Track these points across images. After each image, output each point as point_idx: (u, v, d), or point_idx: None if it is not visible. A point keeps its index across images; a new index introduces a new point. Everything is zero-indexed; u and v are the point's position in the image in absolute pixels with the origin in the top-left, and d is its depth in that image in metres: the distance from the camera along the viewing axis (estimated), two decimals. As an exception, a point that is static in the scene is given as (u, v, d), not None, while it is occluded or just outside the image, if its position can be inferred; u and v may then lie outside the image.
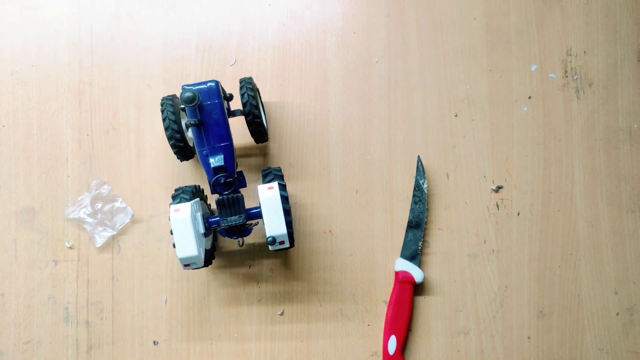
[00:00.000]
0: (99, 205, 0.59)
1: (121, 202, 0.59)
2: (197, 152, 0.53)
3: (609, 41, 0.62)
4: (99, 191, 0.59)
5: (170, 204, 0.50)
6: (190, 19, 0.62)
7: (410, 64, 0.62)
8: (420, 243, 0.60)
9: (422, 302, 0.60)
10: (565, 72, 0.62)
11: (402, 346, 0.58)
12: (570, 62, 0.62)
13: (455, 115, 0.62)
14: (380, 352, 0.59)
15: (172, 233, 0.50)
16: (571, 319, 0.60)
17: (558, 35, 0.62)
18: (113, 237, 0.60)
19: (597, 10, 0.62)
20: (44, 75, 0.61)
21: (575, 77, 0.62)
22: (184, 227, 0.49)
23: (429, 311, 0.60)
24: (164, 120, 0.53)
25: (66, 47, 0.61)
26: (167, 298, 0.60)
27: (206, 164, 0.52)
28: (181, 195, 0.52)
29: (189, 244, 0.49)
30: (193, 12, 0.62)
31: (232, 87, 0.61)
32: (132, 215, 0.60)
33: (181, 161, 0.58)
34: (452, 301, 0.60)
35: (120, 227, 0.59)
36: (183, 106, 0.52)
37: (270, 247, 0.51)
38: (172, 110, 0.53)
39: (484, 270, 0.60)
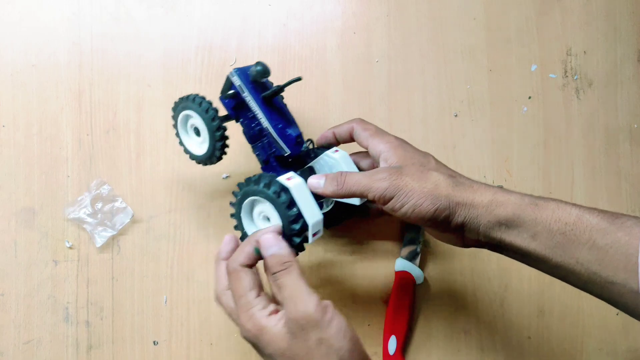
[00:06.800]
0: (99, 205, 0.59)
1: (121, 202, 0.59)
2: (268, 127, 0.49)
3: (609, 41, 0.62)
4: (99, 191, 0.59)
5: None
6: (190, 19, 0.62)
7: (410, 64, 0.62)
8: (420, 243, 0.59)
9: (422, 302, 0.60)
10: (565, 72, 0.62)
11: (402, 346, 0.58)
12: (570, 62, 0.62)
13: (455, 115, 0.62)
14: (380, 352, 0.59)
15: (283, 205, 0.44)
16: (571, 318, 0.60)
17: (558, 35, 0.62)
18: (113, 237, 0.60)
19: (597, 10, 0.62)
20: (44, 75, 0.61)
21: (575, 77, 0.62)
22: (303, 192, 0.45)
23: (429, 311, 0.60)
24: (212, 120, 0.48)
25: (66, 48, 0.61)
26: (167, 298, 0.60)
27: (284, 137, 0.49)
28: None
29: (314, 208, 0.46)
30: (193, 12, 0.62)
31: (232, 87, 0.61)
32: (132, 215, 0.60)
33: (211, 165, 0.53)
34: (452, 301, 0.60)
35: (120, 227, 0.59)
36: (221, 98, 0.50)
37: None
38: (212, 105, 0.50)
39: (484, 270, 0.60)
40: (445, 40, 0.62)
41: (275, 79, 0.61)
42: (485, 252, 0.60)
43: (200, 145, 0.51)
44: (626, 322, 0.60)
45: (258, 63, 0.48)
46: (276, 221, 0.45)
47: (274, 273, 0.41)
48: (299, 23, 0.62)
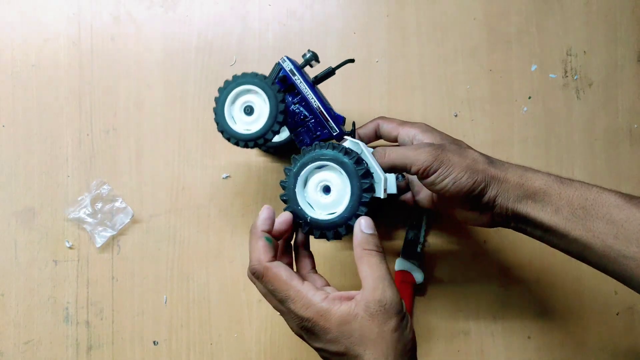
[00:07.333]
0: (99, 205, 0.59)
1: (121, 202, 0.59)
2: (319, 107, 0.51)
3: (609, 41, 0.62)
4: (99, 191, 0.59)
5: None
6: (190, 19, 0.62)
7: (410, 64, 0.62)
8: (421, 243, 0.59)
9: (422, 302, 0.60)
10: (565, 72, 0.62)
11: (402, 346, 0.58)
12: (570, 62, 0.62)
13: (455, 115, 0.62)
14: (381, 352, 0.59)
15: (352, 161, 0.44)
16: (571, 318, 0.60)
17: (558, 35, 0.62)
18: (113, 237, 0.60)
19: (597, 10, 0.62)
20: (44, 75, 0.61)
21: (575, 77, 0.62)
22: (369, 151, 0.46)
23: (429, 311, 0.60)
24: (277, 91, 0.49)
25: (66, 47, 0.61)
26: (167, 298, 0.60)
27: (333, 117, 0.51)
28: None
29: (378, 165, 0.46)
30: (193, 12, 0.62)
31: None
32: (132, 215, 0.60)
33: (256, 146, 0.50)
34: (452, 301, 0.60)
35: (120, 227, 0.59)
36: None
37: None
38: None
39: (484, 270, 0.60)
40: (445, 40, 0.62)
41: (275, 79, 0.62)
42: (485, 252, 0.60)
43: (250, 124, 0.50)
44: (627, 322, 0.60)
45: (309, 50, 0.52)
46: (340, 185, 0.45)
47: (370, 250, 0.42)
48: (299, 23, 0.62)
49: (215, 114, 0.50)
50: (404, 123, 0.52)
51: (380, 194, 0.45)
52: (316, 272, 0.47)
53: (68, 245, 0.60)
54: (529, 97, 0.62)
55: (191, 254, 0.60)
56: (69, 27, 0.61)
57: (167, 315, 0.60)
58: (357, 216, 0.44)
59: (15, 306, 0.59)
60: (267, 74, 0.61)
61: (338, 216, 0.45)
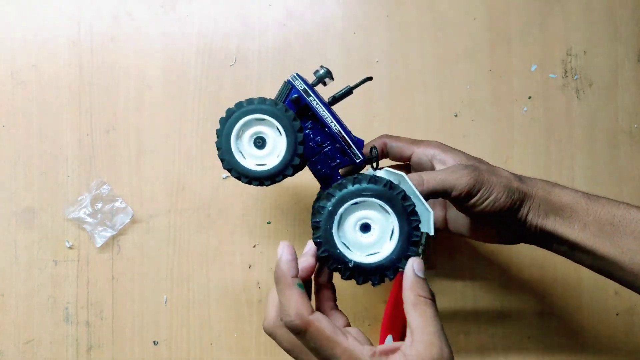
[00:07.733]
0: (99, 205, 0.59)
1: (121, 202, 0.59)
2: (340, 131, 0.45)
3: (609, 41, 0.62)
4: (99, 191, 0.59)
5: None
6: (190, 19, 0.62)
7: (411, 64, 0.62)
8: (422, 244, 0.59)
9: (422, 302, 0.60)
10: (566, 72, 0.62)
11: (402, 346, 0.58)
12: (571, 62, 0.62)
13: (455, 115, 0.62)
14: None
15: (399, 197, 0.40)
16: (572, 319, 0.60)
17: (558, 35, 0.62)
18: (113, 237, 0.60)
19: (597, 10, 0.62)
20: (44, 75, 0.61)
21: (575, 77, 0.62)
22: (412, 185, 0.41)
23: (429, 311, 0.60)
24: (293, 119, 0.42)
25: (66, 47, 0.61)
26: (167, 298, 0.60)
27: (355, 142, 0.46)
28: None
29: (423, 197, 0.41)
30: (193, 12, 0.62)
31: (232, 88, 0.61)
32: (132, 215, 0.60)
33: (273, 183, 0.44)
34: (452, 301, 0.60)
35: (120, 227, 0.59)
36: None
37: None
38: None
39: (484, 270, 0.60)
40: (446, 40, 0.62)
41: (275, 80, 0.62)
42: (484, 253, 0.60)
43: (263, 158, 0.43)
44: (626, 322, 0.60)
45: (322, 66, 0.47)
46: (383, 223, 0.41)
47: (425, 297, 0.39)
48: (299, 23, 0.62)
49: (218, 149, 0.43)
50: (416, 142, 0.49)
51: (430, 230, 0.41)
52: (337, 308, 0.43)
53: (68, 245, 0.60)
54: (529, 97, 0.62)
55: (191, 254, 0.60)
56: (69, 27, 0.61)
57: (167, 315, 0.60)
58: (407, 257, 0.40)
59: (15, 306, 0.59)
60: (267, 74, 0.62)
61: (385, 258, 0.41)
